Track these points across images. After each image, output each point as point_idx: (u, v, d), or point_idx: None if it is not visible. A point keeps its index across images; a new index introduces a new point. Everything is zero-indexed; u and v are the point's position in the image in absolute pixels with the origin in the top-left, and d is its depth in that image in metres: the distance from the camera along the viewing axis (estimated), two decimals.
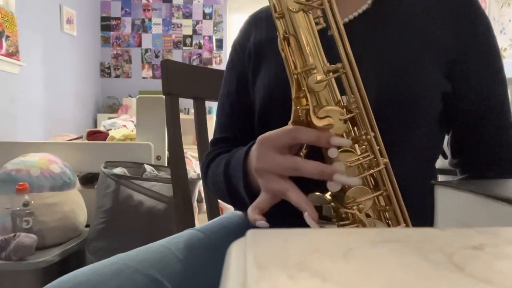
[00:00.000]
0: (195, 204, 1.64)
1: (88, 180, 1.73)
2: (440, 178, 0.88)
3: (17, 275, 1.26)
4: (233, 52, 0.71)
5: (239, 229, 0.68)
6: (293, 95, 0.42)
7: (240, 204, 0.59)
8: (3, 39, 2.67)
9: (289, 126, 0.44)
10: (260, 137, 0.46)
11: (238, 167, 0.54)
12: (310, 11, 0.42)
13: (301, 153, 0.46)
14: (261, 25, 0.66)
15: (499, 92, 0.60)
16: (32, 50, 3.14)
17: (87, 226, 1.52)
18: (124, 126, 2.33)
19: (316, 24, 0.43)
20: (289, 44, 0.42)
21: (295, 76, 0.42)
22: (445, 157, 0.66)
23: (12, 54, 2.77)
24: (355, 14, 0.59)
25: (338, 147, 0.41)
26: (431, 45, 0.56)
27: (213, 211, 0.89)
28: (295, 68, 0.42)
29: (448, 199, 0.29)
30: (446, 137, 0.66)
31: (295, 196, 0.43)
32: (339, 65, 0.42)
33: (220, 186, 0.60)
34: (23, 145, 1.63)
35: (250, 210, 0.47)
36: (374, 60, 0.55)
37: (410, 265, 0.14)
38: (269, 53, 0.62)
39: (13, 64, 2.81)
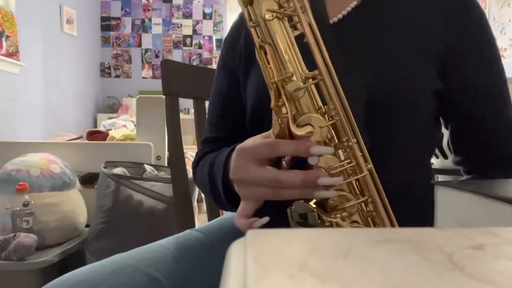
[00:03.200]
0: (195, 204, 1.64)
1: (88, 180, 1.73)
2: (440, 178, 0.88)
3: (17, 275, 1.26)
4: (224, 50, 0.69)
5: (239, 230, 0.68)
6: (272, 103, 0.41)
7: (224, 208, 0.60)
8: (3, 39, 2.67)
9: (267, 139, 0.43)
10: (238, 147, 0.45)
11: (218, 172, 0.54)
12: (285, 18, 0.41)
13: (283, 161, 0.45)
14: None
15: (497, 87, 0.58)
16: (32, 50, 3.14)
17: (87, 226, 1.52)
18: (124, 126, 2.33)
19: (296, 29, 0.42)
20: (265, 53, 0.41)
21: (274, 84, 0.41)
22: (445, 157, 0.65)
23: (12, 54, 2.77)
24: (344, 12, 0.58)
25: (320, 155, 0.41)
26: (422, 42, 0.55)
27: (213, 211, 0.89)
28: (273, 76, 0.41)
29: (448, 199, 0.29)
30: (446, 137, 0.66)
31: (284, 194, 0.42)
32: (316, 72, 0.41)
33: (206, 187, 0.60)
34: (23, 145, 1.63)
35: (237, 220, 0.46)
36: (364, 58, 0.54)
37: (410, 265, 0.14)
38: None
39: (13, 64, 2.81)
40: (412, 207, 0.55)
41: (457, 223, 0.28)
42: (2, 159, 1.46)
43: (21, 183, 1.29)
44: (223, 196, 0.54)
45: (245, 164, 0.43)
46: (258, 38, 0.42)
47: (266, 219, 0.44)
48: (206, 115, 0.95)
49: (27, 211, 1.28)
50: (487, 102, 0.58)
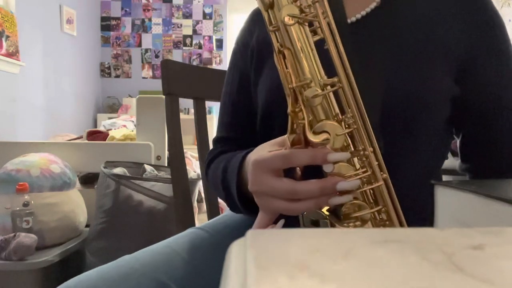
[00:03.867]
0: (195, 204, 1.64)
1: (88, 180, 1.73)
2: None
3: (17, 275, 1.26)
4: (236, 49, 0.69)
5: (243, 227, 0.67)
6: (289, 109, 0.40)
7: (237, 210, 0.60)
8: (3, 39, 2.67)
9: (283, 151, 0.42)
10: (254, 159, 0.45)
11: (232, 178, 0.54)
12: (306, 23, 0.41)
13: (298, 170, 0.45)
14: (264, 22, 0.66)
15: (510, 95, 0.58)
16: (32, 50, 3.14)
17: (87, 226, 1.52)
18: (124, 126, 2.33)
19: (315, 34, 0.41)
20: (284, 58, 0.41)
21: (291, 90, 0.40)
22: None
23: (12, 54, 2.77)
24: (363, 13, 0.57)
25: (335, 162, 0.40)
26: (440, 48, 0.55)
27: (213, 211, 0.89)
28: (291, 82, 0.40)
29: (448, 199, 0.29)
30: None
31: (301, 208, 0.42)
32: (335, 79, 0.40)
33: (219, 189, 0.60)
34: (23, 145, 1.63)
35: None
36: (381, 61, 0.54)
37: (410, 265, 0.14)
38: (272, 53, 0.61)
39: (13, 64, 2.81)
40: (422, 211, 0.55)
41: (457, 223, 0.28)
42: (2, 159, 1.46)
43: (21, 183, 1.29)
44: (239, 204, 0.54)
45: (262, 176, 0.43)
46: (278, 42, 0.41)
47: (281, 222, 0.44)
48: (207, 115, 0.95)
49: (27, 211, 1.28)
50: (501, 112, 0.57)
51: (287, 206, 0.42)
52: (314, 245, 0.16)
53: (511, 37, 0.60)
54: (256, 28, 0.66)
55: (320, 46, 0.41)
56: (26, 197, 1.29)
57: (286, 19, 0.39)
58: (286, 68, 0.41)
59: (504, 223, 0.23)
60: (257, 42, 0.64)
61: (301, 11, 0.40)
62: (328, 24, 0.41)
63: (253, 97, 0.65)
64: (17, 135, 2.88)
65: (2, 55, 2.66)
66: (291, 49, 0.40)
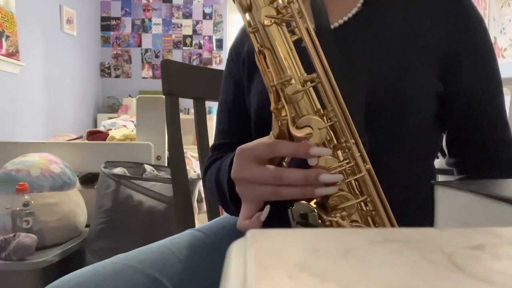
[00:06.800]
0: (195, 204, 1.64)
1: (88, 180, 1.73)
2: (440, 178, 0.88)
3: (17, 275, 1.26)
4: (229, 59, 0.71)
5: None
6: (272, 106, 0.42)
7: (231, 212, 0.60)
8: (3, 39, 2.67)
9: (268, 139, 0.44)
10: (239, 148, 0.46)
11: (224, 175, 0.54)
12: (284, 24, 0.42)
13: (284, 163, 0.46)
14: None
15: (493, 91, 0.59)
16: (32, 50, 3.14)
17: (87, 226, 1.52)
18: (124, 126, 2.33)
19: (294, 34, 0.43)
20: (265, 57, 0.42)
21: (273, 88, 0.42)
22: (445, 157, 0.66)
23: (12, 54, 2.78)
24: (345, 18, 0.58)
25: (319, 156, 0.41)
26: (423, 46, 0.56)
27: (213, 211, 0.89)
28: (272, 80, 0.42)
29: (448, 199, 0.29)
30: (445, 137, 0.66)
31: (282, 194, 0.43)
32: (314, 75, 0.42)
33: (213, 192, 0.61)
34: (23, 145, 1.63)
35: (240, 224, 0.47)
36: (366, 63, 0.55)
37: (410, 265, 0.14)
38: None
39: (13, 64, 2.81)
40: (415, 209, 0.55)
41: (457, 223, 0.28)
42: (2, 159, 1.46)
43: (21, 183, 1.29)
44: (229, 200, 0.54)
45: (246, 163, 0.44)
46: (258, 43, 0.43)
47: (267, 208, 0.45)
48: (207, 115, 0.95)
49: (27, 211, 1.28)
50: (482, 108, 0.58)
51: (273, 189, 0.42)
52: (314, 245, 0.16)
53: (510, 38, 0.61)
54: (247, 37, 0.67)
55: (298, 45, 0.43)
56: (26, 197, 1.29)
57: (265, 20, 0.41)
58: (267, 67, 0.42)
59: (504, 223, 0.23)
60: (247, 51, 0.66)
61: (278, 12, 0.42)
62: (304, 23, 0.42)
63: (247, 104, 0.66)
64: (17, 135, 2.89)
65: (2, 55, 2.66)
66: (271, 48, 0.42)
